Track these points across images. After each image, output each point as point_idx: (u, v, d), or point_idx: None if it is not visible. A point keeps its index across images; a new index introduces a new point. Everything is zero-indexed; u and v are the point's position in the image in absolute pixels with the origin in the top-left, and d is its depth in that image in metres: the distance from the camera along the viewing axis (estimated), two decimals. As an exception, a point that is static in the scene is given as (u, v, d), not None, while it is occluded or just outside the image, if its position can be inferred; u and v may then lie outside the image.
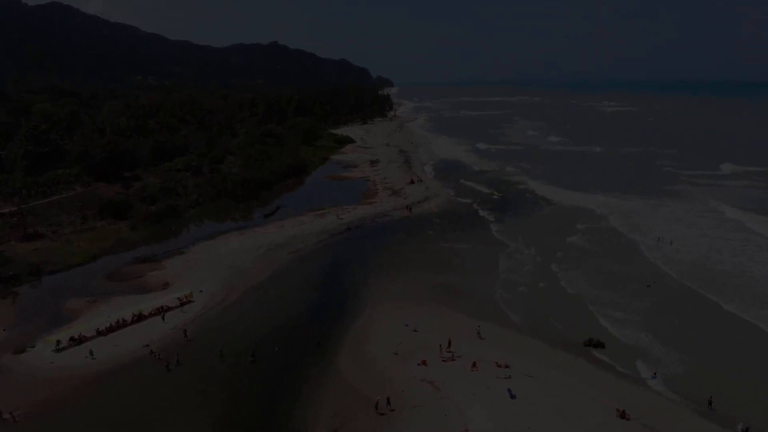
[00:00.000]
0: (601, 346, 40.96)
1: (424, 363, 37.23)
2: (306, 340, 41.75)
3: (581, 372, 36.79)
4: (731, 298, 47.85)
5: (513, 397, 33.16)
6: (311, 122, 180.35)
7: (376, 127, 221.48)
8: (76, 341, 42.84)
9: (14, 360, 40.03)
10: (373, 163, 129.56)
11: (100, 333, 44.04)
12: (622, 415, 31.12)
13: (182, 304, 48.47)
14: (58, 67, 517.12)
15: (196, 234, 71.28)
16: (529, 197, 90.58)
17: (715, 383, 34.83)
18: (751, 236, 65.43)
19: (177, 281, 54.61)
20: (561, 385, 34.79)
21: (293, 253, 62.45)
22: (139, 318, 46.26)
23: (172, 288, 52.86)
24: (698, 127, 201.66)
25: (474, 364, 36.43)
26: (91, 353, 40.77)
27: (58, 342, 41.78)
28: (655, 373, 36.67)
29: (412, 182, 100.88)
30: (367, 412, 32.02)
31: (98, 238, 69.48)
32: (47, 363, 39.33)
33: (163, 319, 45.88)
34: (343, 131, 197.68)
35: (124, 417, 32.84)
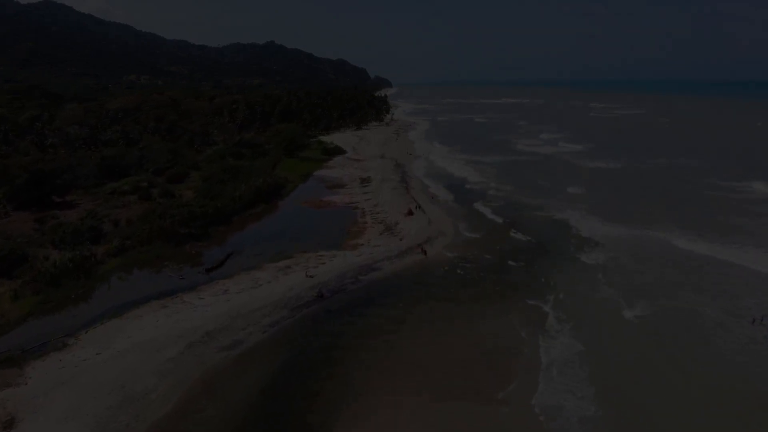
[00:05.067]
0: None
1: None
2: None
3: None
4: None
5: None
6: (297, 129, 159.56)
7: (370, 134, 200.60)
8: None
9: None
10: (364, 181, 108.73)
11: None
12: None
13: (-1, 490, 27.71)
14: (50, 64, 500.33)
15: (102, 305, 49.91)
16: (562, 235, 69.53)
17: None
18: None
19: (28, 417, 33.73)
20: None
21: (227, 350, 41.19)
22: None
23: (11, 435, 32.07)
24: (729, 136, 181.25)
25: None
26: None
27: None
28: None
29: (411, 213, 79.79)
30: None
31: (-41, 312, 48.54)
32: None
33: None
34: (334, 138, 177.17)
35: None
